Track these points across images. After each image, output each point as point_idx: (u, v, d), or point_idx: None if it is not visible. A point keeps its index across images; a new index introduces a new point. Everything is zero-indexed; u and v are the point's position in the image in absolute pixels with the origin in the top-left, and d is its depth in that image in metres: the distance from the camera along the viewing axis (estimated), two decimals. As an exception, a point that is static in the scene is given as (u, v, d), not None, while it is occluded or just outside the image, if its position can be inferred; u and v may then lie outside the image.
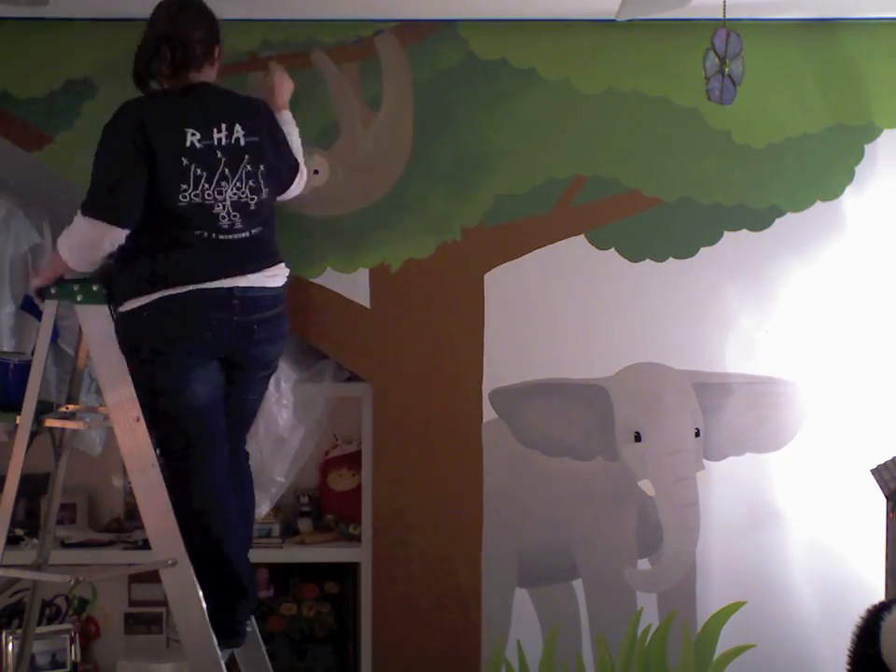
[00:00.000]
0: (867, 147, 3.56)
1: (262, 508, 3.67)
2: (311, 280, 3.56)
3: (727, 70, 2.63)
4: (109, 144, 2.90)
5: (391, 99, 3.55)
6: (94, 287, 2.99)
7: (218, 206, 2.92)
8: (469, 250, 3.58)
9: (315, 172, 3.55)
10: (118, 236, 2.89)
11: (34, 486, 3.86)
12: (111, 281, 2.98)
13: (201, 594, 2.90)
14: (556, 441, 3.60)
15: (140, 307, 2.91)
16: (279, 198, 3.17)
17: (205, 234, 2.92)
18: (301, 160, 3.25)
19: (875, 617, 2.61)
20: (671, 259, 3.60)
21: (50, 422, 3.16)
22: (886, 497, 3.21)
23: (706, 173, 3.57)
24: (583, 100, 3.54)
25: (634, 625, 3.64)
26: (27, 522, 3.83)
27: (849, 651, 2.74)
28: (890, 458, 3.33)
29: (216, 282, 2.91)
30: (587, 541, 3.63)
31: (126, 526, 3.82)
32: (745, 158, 3.55)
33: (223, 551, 2.97)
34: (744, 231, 3.59)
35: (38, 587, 3.36)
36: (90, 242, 2.92)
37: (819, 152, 3.56)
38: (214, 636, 2.89)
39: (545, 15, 3.46)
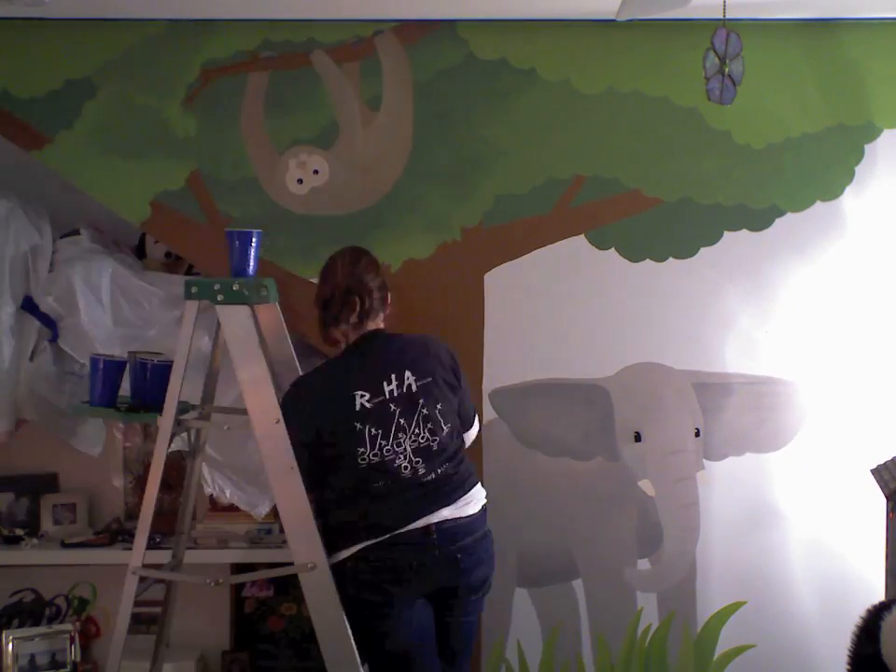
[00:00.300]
0: (867, 147, 3.56)
1: (262, 508, 3.67)
2: (311, 280, 3.55)
3: (727, 70, 2.63)
4: (291, 428, 2.97)
5: (391, 99, 3.55)
6: (235, 287, 2.99)
7: (399, 458, 2.96)
8: (469, 250, 3.58)
9: (315, 172, 3.55)
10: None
11: (34, 486, 3.87)
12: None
13: (338, 597, 2.92)
14: (556, 441, 3.60)
15: (344, 560, 2.96)
16: (466, 433, 3.21)
17: (382, 484, 2.95)
18: (473, 418, 3.25)
19: (874, 617, 2.61)
20: (671, 258, 3.60)
21: (191, 423, 3.17)
22: (886, 497, 3.21)
23: (706, 173, 3.57)
24: (583, 100, 3.54)
25: (634, 625, 3.64)
26: (27, 522, 3.83)
27: (849, 650, 2.74)
28: (890, 458, 3.33)
29: (410, 525, 2.93)
30: (587, 541, 3.63)
31: (126, 527, 3.82)
32: (745, 158, 3.55)
33: None
34: (744, 231, 3.59)
35: (172, 588, 3.36)
36: None
37: (819, 152, 3.56)
38: (353, 641, 2.92)
39: (545, 15, 3.46)
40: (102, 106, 3.51)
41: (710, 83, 2.65)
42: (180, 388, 3.02)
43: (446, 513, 2.97)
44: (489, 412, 3.60)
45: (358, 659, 2.94)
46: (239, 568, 3.71)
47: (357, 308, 3.04)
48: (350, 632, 2.93)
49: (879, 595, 3.25)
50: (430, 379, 3.03)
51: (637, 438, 3.61)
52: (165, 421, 3.01)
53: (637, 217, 3.58)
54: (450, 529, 2.97)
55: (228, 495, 3.64)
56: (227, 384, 3.35)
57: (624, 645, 3.65)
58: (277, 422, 2.95)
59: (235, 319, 2.99)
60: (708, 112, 3.49)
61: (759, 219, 3.58)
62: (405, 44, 3.53)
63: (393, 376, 2.99)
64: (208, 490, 3.65)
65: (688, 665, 3.64)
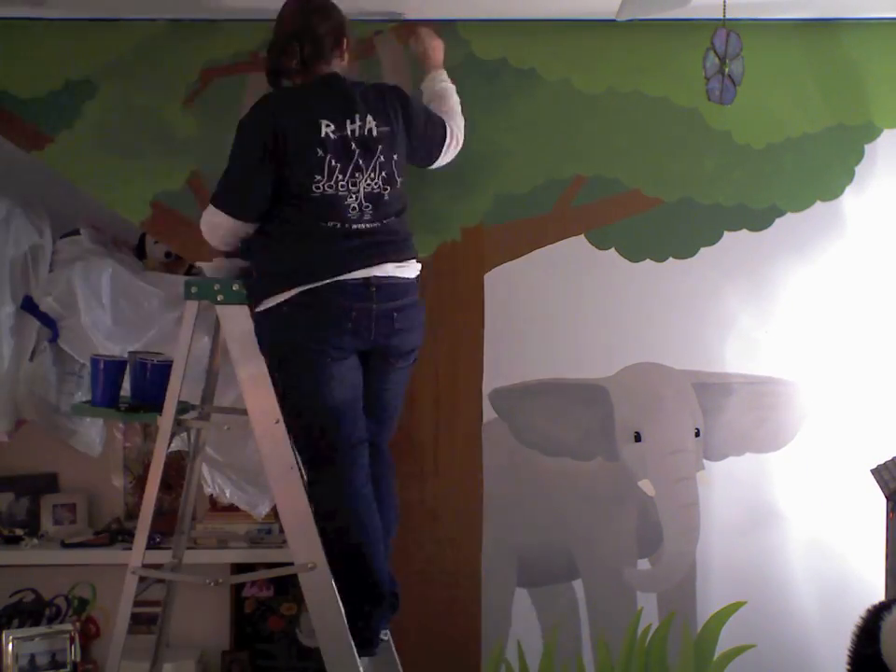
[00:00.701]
0: (867, 147, 3.56)
1: (262, 508, 3.67)
2: (311, 280, 3.56)
3: (727, 70, 2.63)
4: (241, 140, 2.95)
5: (391, 99, 3.54)
6: (235, 287, 2.98)
7: (351, 198, 2.92)
8: (469, 250, 3.58)
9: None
10: (240, 227, 2.95)
11: (34, 486, 3.87)
12: (248, 283, 2.98)
13: (339, 598, 2.90)
14: (556, 441, 3.60)
15: (279, 304, 2.90)
16: (432, 166, 3.20)
17: (337, 226, 2.91)
18: (454, 122, 3.24)
19: (874, 617, 2.61)
20: (671, 258, 3.59)
21: (191, 423, 3.16)
22: (886, 497, 3.21)
23: (706, 173, 3.57)
24: (583, 100, 3.54)
25: (634, 625, 3.64)
26: (27, 522, 3.83)
27: (849, 651, 2.74)
28: (890, 458, 3.33)
29: (353, 273, 2.90)
30: (587, 541, 3.63)
31: (126, 527, 3.82)
32: (745, 158, 3.55)
33: (362, 553, 2.94)
34: (744, 231, 3.58)
35: (172, 588, 3.34)
36: (215, 226, 2.99)
37: (818, 152, 3.56)
38: (352, 641, 2.90)
39: (545, 15, 3.46)
40: (102, 106, 3.51)
41: (710, 83, 2.65)
42: (180, 388, 3.02)
43: (388, 269, 2.96)
44: (489, 412, 3.60)
45: (358, 660, 2.92)
46: (239, 568, 3.71)
47: (299, 53, 2.96)
48: (349, 633, 2.93)
49: (879, 595, 3.25)
50: (389, 129, 2.99)
51: (637, 438, 3.61)
52: (165, 421, 3.01)
53: (637, 217, 3.58)
54: (390, 287, 2.95)
55: (228, 495, 3.64)
56: (227, 384, 3.35)
57: (624, 645, 3.65)
58: (277, 422, 2.94)
59: (235, 319, 2.99)
60: (708, 112, 3.49)
61: (759, 219, 3.58)
62: (405, 44, 3.52)
63: (357, 116, 2.94)
64: (208, 490, 3.65)
65: (688, 665, 3.64)
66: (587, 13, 3.43)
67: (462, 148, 3.54)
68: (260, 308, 2.94)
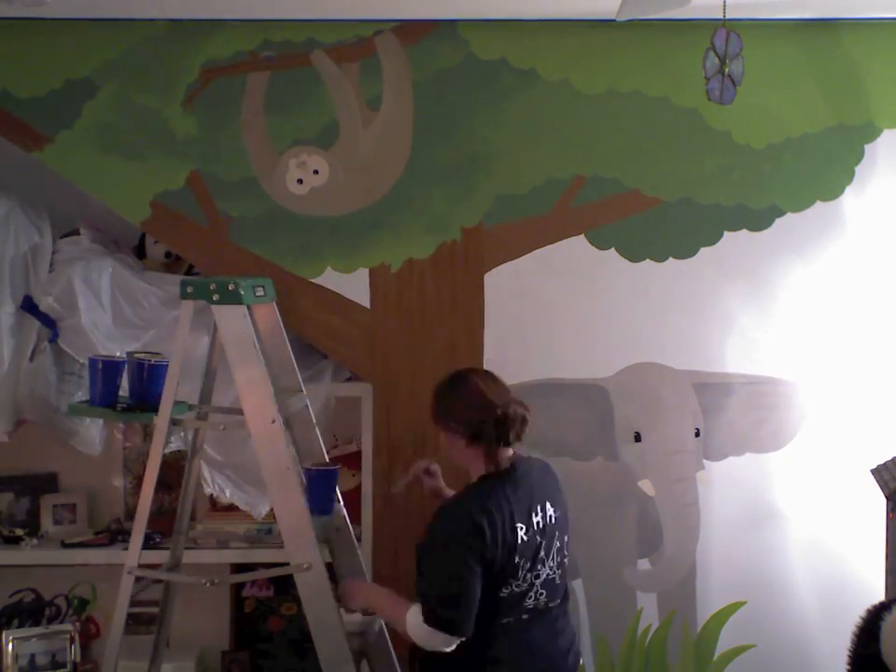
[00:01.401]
0: (867, 147, 3.56)
1: (262, 508, 3.67)
2: (311, 280, 3.56)
3: (727, 70, 2.63)
4: (457, 546, 2.76)
5: (391, 99, 3.55)
6: (230, 287, 2.98)
7: (531, 591, 2.87)
8: (469, 250, 3.58)
9: (315, 172, 3.55)
10: (450, 643, 2.78)
11: (34, 486, 3.87)
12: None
13: (334, 597, 2.91)
14: (556, 441, 3.60)
15: None
16: None
17: (511, 621, 2.85)
18: None
19: (874, 617, 2.61)
20: (671, 258, 3.60)
21: (188, 423, 3.16)
22: (886, 497, 3.21)
23: (706, 173, 3.57)
24: (583, 100, 3.54)
25: (634, 625, 3.64)
26: (27, 522, 3.83)
27: (849, 650, 2.73)
28: (890, 458, 3.33)
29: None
30: (587, 541, 3.63)
31: (126, 527, 3.82)
32: (745, 158, 3.55)
33: None
34: (744, 231, 3.59)
35: (172, 589, 3.34)
36: (430, 643, 2.80)
37: (818, 152, 3.56)
38: (346, 639, 2.90)
39: (545, 15, 3.46)
40: (102, 106, 3.52)
41: (710, 83, 2.64)
42: (176, 388, 3.01)
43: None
44: (489, 412, 3.59)
45: (352, 657, 2.94)
46: (238, 568, 3.71)
47: (503, 434, 2.86)
48: (344, 632, 2.92)
49: (879, 595, 3.25)
50: (562, 511, 2.99)
51: (637, 438, 3.61)
52: (161, 421, 3.01)
53: (637, 217, 3.58)
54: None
55: (228, 495, 3.64)
56: (226, 384, 3.35)
57: (624, 645, 3.65)
58: (273, 422, 2.94)
59: (231, 319, 2.99)
60: (708, 112, 3.49)
61: (759, 219, 3.58)
62: (405, 44, 3.53)
63: (539, 507, 2.90)
64: (208, 490, 3.65)
65: (688, 665, 3.64)
66: (587, 13, 3.43)
67: (462, 148, 3.55)
68: None
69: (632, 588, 3.64)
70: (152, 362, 3.17)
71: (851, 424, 3.60)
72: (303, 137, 3.55)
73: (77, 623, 3.83)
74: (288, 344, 3.29)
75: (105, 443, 3.78)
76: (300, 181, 3.56)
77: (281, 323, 3.27)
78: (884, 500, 3.23)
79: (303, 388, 3.29)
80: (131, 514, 3.90)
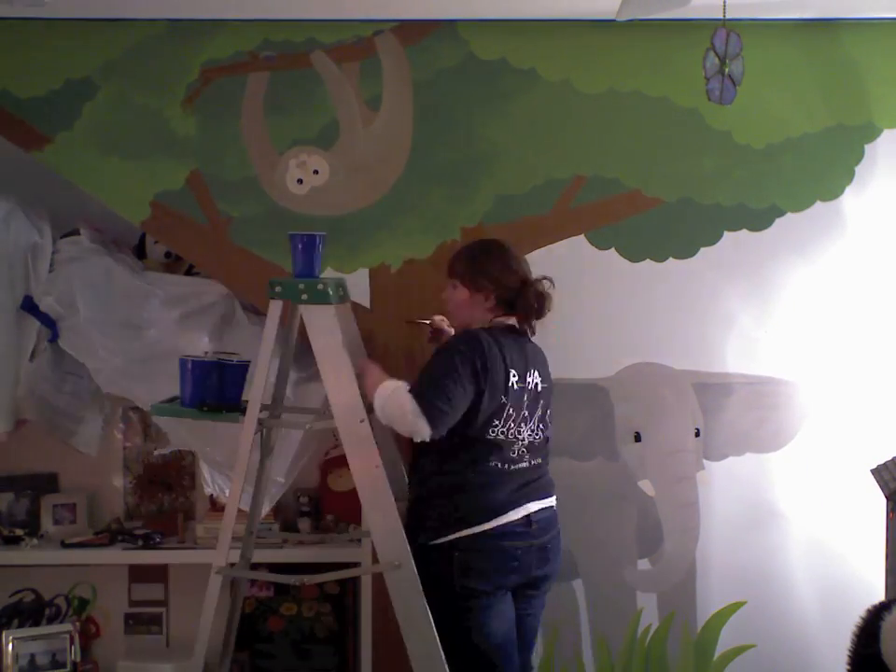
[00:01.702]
0: (867, 147, 3.56)
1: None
2: (311, 280, 3.56)
3: (727, 70, 2.63)
4: (457, 354, 2.98)
5: (391, 99, 3.55)
6: (319, 287, 2.98)
7: (516, 444, 3.05)
8: (469, 250, 3.57)
9: (315, 172, 3.55)
10: (422, 433, 2.91)
11: (34, 486, 3.87)
12: (411, 515, 3.06)
13: (423, 595, 2.92)
14: (556, 441, 3.59)
15: (450, 544, 2.97)
16: None
17: (498, 465, 3.02)
18: None
19: (874, 617, 2.61)
20: (671, 258, 3.60)
21: (271, 422, 3.15)
22: (886, 497, 3.21)
23: (706, 173, 3.57)
24: (583, 100, 3.54)
25: (634, 625, 3.64)
26: (27, 522, 3.83)
27: (849, 651, 2.73)
28: (890, 458, 3.33)
29: (516, 511, 3.01)
30: (587, 541, 3.63)
31: (126, 527, 3.82)
32: (745, 158, 3.55)
33: None
34: (744, 231, 3.59)
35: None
36: (399, 417, 2.93)
37: (819, 152, 3.56)
38: (437, 638, 2.93)
39: (545, 15, 3.46)
40: (102, 106, 3.51)
41: (710, 83, 2.65)
42: (263, 389, 3.01)
43: (541, 504, 3.08)
44: (489, 412, 3.59)
45: (443, 657, 2.95)
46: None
47: (528, 303, 3.08)
48: (435, 629, 2.94)
49: (879, 595, 3.25)
50: (548, 385, 3.16)
51: (637, 438, 3.61)
52: (249, 421, 3.00)
53: (637, 217, 3.58)
54: (543, 520, 3.07)
55: (228, 495, 3.64)
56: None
57: (624, 645, 3.65)
58: (362, 421, 2.95)
59: (319, 319, 2.99)
60: (708, 112, 3.49)
61: (759, 219, 3.58)
62: (405, 44, 3.52)
63: (532, 370, 3.09)
64: (208, 490, 3.65)
65: (688, 665, 3.64)
66: (587, 13, 3.43)
67: (462, 148, 3.55)
68: (430, 543, 2.99)
69: (632, 588, 3.64)
70: (233, 362, 3.15)
71: (851, 424, 3.60)
72: (303, 137, 3.55)
73: (77, 623, 3.82)
74: (362, 343, 3.30)
75: (105, 443, 3.78)
76: (300, 181, 3.56)
77: (355, 322, 3.28)
78: (884, 500, 3.23)
79: None
80: (131, 514, 3.90)
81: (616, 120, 3.55)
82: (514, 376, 3.02)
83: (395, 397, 2.93)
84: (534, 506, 3.05)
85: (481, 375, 2.95)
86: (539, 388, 3.11)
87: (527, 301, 3.07)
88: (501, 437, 3.01)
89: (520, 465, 3.06)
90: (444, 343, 3.14)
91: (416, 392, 2.93)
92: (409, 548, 2.95)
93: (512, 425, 3.02)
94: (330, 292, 3.00)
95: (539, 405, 3.11)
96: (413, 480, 3.12)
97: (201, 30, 3.50)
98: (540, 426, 3.11)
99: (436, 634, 2.94)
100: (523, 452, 3.06)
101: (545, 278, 3.10)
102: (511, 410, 3.01)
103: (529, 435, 3.07)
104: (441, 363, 2.99)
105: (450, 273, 3.15)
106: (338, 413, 2.97)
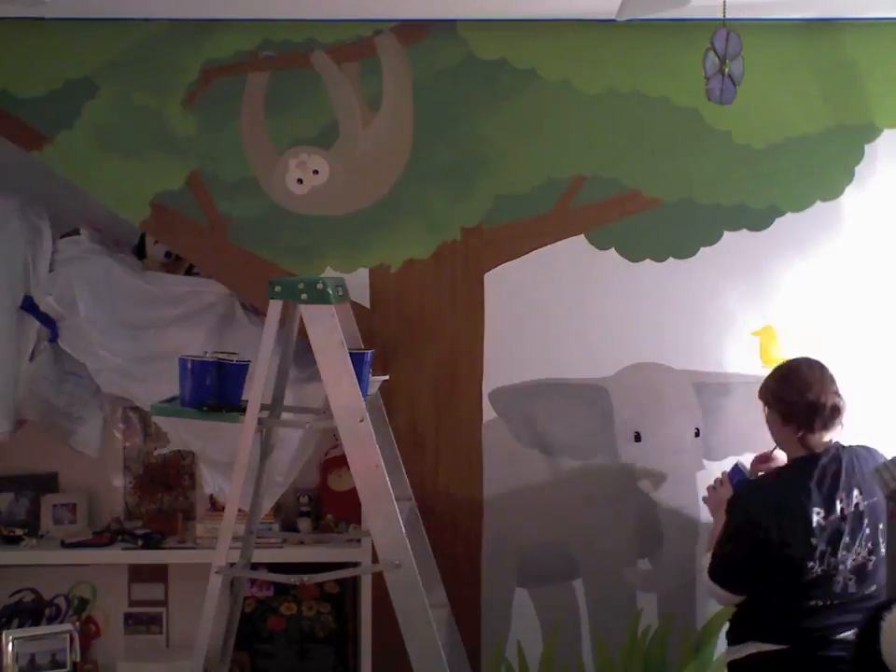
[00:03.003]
0: (867, 147, 3.56)
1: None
2: (311, 280, 3.56)
3: (727, 70, 2.63)
4: (737, 525, 3.06)
5: (391, 99, 3.55)
6: (319, 286, 2.99)
7: (839, 576, 3.01)
8: (469, 250, 3.58)
9: (315, 172, 3.55)
10: (734, 600, 3.12)
11: (35, 486, 3.87)
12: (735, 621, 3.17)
13: (425, 595, 2.93)
14: (556, 440, 3.60)
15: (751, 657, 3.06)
16: None
17: (820, 603, 3.01)
18: None
19: (874, 617, 2.61)
20: (671, 258, 3.60)
21: (272, 422, 3.16)
22: (886, 496, 3.20)
23: (706, 173, 3.57)
24: (583, 100, 3.54)
25: (634, 625, 3.64)
26: (27, 522, 3.83)
27: (849, 651, 2.74)
28: (890, 458, 3.32)
29: (821, 636, 3.00)
30: (587, 541, 3.63)
31: (126, 527, 3.82)
32: (745, 158, 3.55)
33: None
34: (744, 231, 3.59)
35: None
36: (720, 597, 3.15)
37: (819, 152, 3.56)
38: (437, 635, 2.93)
39: (545, 15, 3.46)
40: (102, 106, 3.51)
41: (710, 83, 2.65)
42: (263, 388, 3.01)
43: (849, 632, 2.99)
44: (489, 412, 3.60)
45: (443, 656, 2.95)
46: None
47: (822, 419, 3.07)
48: (435, 629, 2.94)
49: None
50: (875, 499, 3.08)
51: (637, 438, 3.61)
52: (249, 420, 3.00)
53: (637, 217, 3.58)
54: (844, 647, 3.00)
55: (227, 494, 3.64)
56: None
57: (624, 645, 3.65)
58: (362, 420, 2.95)
59: (319, 319, 2.99)
60: (708, 112, 3.49)
61: (759, 219, 3.58)
62: (405, 44, 3.52)
63: (844, 494, 3.03)
64: (208, 490, 3.65)
65: (688, 665, 3.64)
66: (587, 13, 3.43)
67: (462, 148, 3.55)
68: (735, 654, 3.13)
69: (632, 588, 3.64)
70: (233, 362, 3.14)
71: (851, 424, 3.59)
72: (303, 137, 3.55)
73: (77, 623, 3.83)
74: (362, 342, 3.30)
75: (105, 443, 3.78)
76: (300, 181, 3.56)
77: (355, 321, 3.28)
78: (884, 500, 3.23)
79: (377, 392, 3.32)
80: (131, 514, 3.91)
81: (616, 120, 3.55)
82: (818, 513, 2.98)
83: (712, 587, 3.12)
84: (841, 634, 3.00)
85: (765, 545, 2.97)
86: (861, 507, 3.05)
87: (798, 416, 3.06)
88: (821, 573, 2.98)
89: (845, 598, 3.01)
90: (728, 505, 3.12)
91: (711, 573, 3.09)
92: (409, 546, 2.94)
93: (833, 560, 2.99)
94: (330, 292, 3.00)
95: (864, 524, 3.04)
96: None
97: (201, 30, 3.50)
98: (868, 544, 3.04)
99: (436, 632, 2.93)
100: (849, 580, 3.02)
101: (833, 392, 3.08)
102: (823, 546, 2.98)
103: (853, 560, 3.02)
104: (724, 540, 3.08)
105: (759, 396, 3.20)
106: (337, 413, 2.97)
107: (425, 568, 3.17)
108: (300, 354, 3.67)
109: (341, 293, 3.15)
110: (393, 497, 2.97)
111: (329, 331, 2.98)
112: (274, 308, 3.02)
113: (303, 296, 3.00)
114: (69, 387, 3.61)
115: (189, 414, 3.15)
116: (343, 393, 2.96)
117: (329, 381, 2.98)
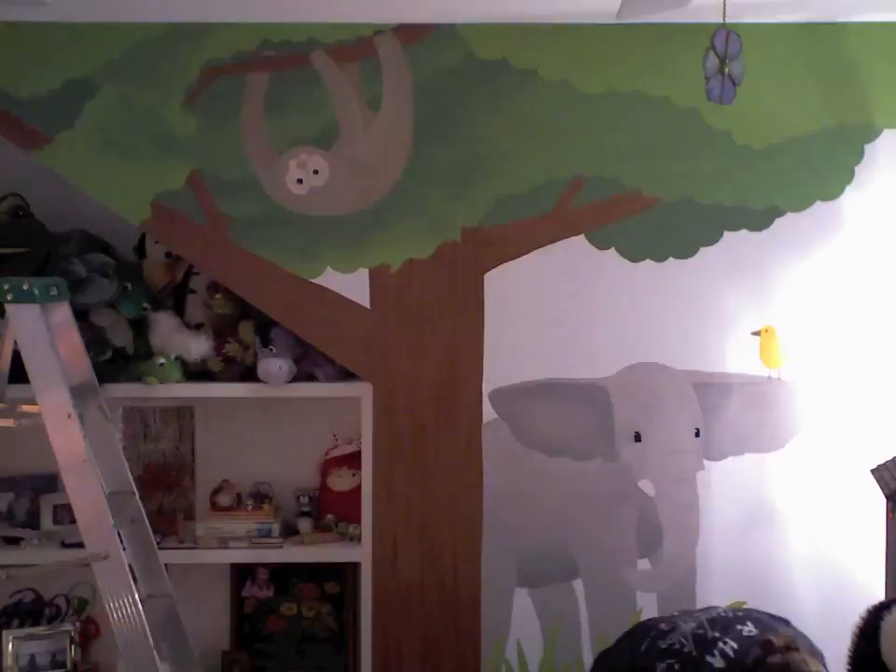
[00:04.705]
0: (867, 147, 3.56)
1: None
2: (311, 280, 3.56)
3: (727, 70, 2.63)
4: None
5: (391, 99, 3.55)
6: (24, 286, 3.03)
7: None
8: (469, 250, 3.58)
9: (315, 172, 3.55)
10: None
11: (35, 486, 3.87)
12: None
13: (133, 585, 2.99)
14: (556, 440, 3.60)
15: None
16: None
17: None
18: None
19: (874, 617, 2.61)
20: (671, 258, 3.60)
21: None
22: (886, 496, 3.21)
23: (706, 173, 3.57)
24: (583, 100, 3.54)
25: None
26: (27, 522, 3.83)
27: (849, 650, 2.74)
28: (890, 458, 3.33)
29: None
30: (587, 541, 3.63)
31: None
32: (745, 158, 3.55)
33: None
34: (744, 231, 3.58)
35: None
36: None
37: (818, 152, 3.56)
38: (147, 627, 2.96)
39: (545, 19, 3.46)
40: (102, 106, 3.51)
41: (710, 83, 2.64)
42: None
43: None
44: (489, 412, 3.60)
45: (152, 644, 2.99)
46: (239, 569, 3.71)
47: None
48: (145, 620, 2.99)
49: (879, 595, 3.25)
50: None
51: (637, 438, 3.61)
52: None
53: (637, 217, 3.58)
54: None
55: None
56: None
57: (624, 645, 3.64)
58: (69, 416, 3.00)
59: (25, 318, 3.04)
60: (708, 112, 3.49)
61: (759, 219, 3.58)
62: (405, 44, 3.52)
63: None
64: None
65: (688, 665, 3.64)
66: (587, 14, 3.43)
67: (462, 148, 3.55)
68: None
69: (632, 588, 3.65)
70: None
71: (851, 424, 3.60)
72: (303, 137, 3.55)
73: (77, 623, 3.83)
74: (81, 340, 3.29)
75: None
76: (300, 181, 3.56)
77: (74, 321, 3.28)
78: (884, 500, 3.23)
79: (98, 387, 3.33)
80: (131, 514, 3.91)
81: (616, 120, 3.55)
82: None
83: None
84: None
85: None
86: None
87: None
88: None
89: None
90: None
91: None
92: (117, 538, 3.01)
93: None
94: (36, 291, 3.04)
95: None
96: None
97: (201, 30, 3.50)
98: None
99: (145, 623, 2.98)
100: None
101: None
102: None
103: None
104: None
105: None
106: (45, 410, 3.03)
107: (148, 561, 3.32)
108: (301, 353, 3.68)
109: (54, 293, 3.17)
110: (102, 489, 3.03)
111: (34, 330, 3.03)
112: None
113: (8, 296, 3.04)
114: None
115: None
116: (50, 391, 3.01)
117: (35, 379, 3.03)
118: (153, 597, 3.29)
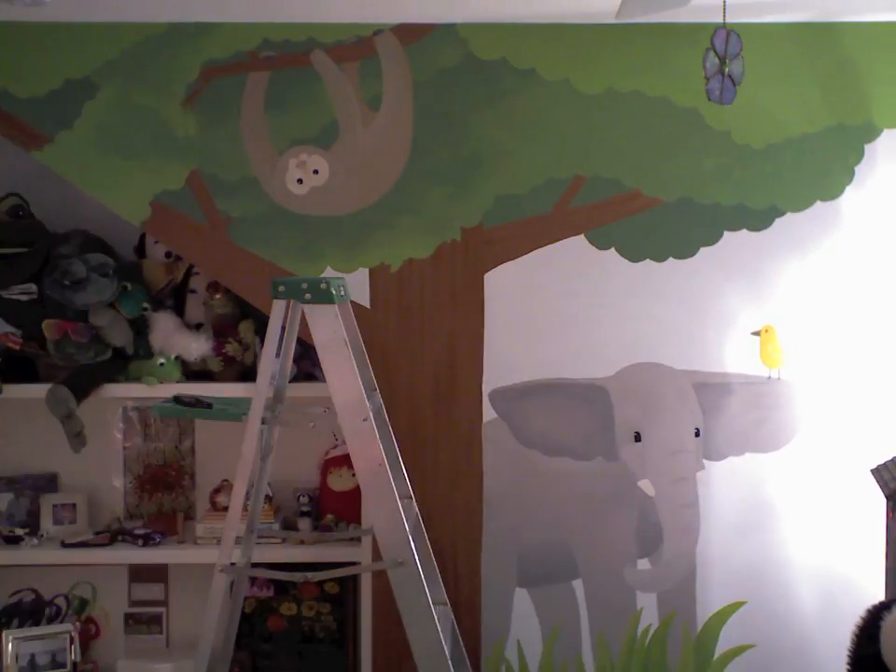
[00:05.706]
0: (867, 147, 3.56)
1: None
2: (311, 280, 3.56)
3: (727, 70, 2.63)
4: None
5: (391, 99, 3.55)
6: (322, 286, 3.00)
7: None
8: (469, 250, 3.58)
9: (315, 172, 3.55)
10: None
11: (35, 486, 3.88)
12: None
13: (427, 591, 2.94)
14: (556, 440, 3.61)
15: None
16: None
17: None
18: None
19: (874, 617, 2.61)
20: (671, 258, 3.60)
21: (275, 420, 3.17)
22: (886, 496, 3.21)
23: (706, 173, 3.57)
24: (583, 100, 3.54)
25: (634, 625, 3.64)
26: (27, 522, 3.83)
27: (849, 650, 2.74)
28: (890, 458, 3.33)
29: None
30: (587, 541, 3.63)
31: (126, 527, 3.82)
32: (745, 158, 3.55)
33: None
34: (744, 231, 3.59)
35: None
36: None
37: (819, 152, 3.56)
38: (440, 632, 2.93)
39: (545, 18, 3.46)
40: (102, 106, 3.52)
41: (710, 83, 2.65)
42: (267, 387, 3.03)
43: None
44: (489, 412, 3.60)
45: (447, 653, 2.95)
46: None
47: None
48: (438, 627, 2.95)
49: (879, 595, 3.25)
50: None
51: (637, 438, 3.61)
52: (253, 419, 3.01)
53: (637, 217, 3.58)
54: None
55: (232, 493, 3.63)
56: None
57: (624, 645, 3.65)
58: (365, 420, 2.96)
59: (322, 318, 3.01)
60: (708, 112, 3.49)
61: (759, 219, 3.58)
62: (405, 44, 3.53)
63: None
64: None
65: (688, 665, 3.65)
66: (587, 14, 3.43)
67: (462, 148, 3.55)
68: None
69: (632, 588, 3.65)
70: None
71: (851, 424, 3.60)
72: (303, 137, 3.55)
73: (77, 623, 3.83)
74: (362, 342, 3.30)
75: (105, 443, 3.78)
76: (300, 181, 3.56)
77: (355, 321, 3.28)
78: (884, 500, 3.23)
79: (377, 388, 3.32)
80: (131, 514, 3.91)
81: (616, 120, 3.55)
82: None
83: None
84: None
85: None
86: None
87: None
88: None
89: None
90: None
91: None
92: (413, 545, 2.95)
93: None
94: (333, 291, 3.02)
95: None
96: None
97: (201, 30, 3.50)
98: None
99: (439, 630, 2.94)
100: None
101: None
102: None
103: None
104: None
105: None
106: (341, 412, 2.99)
107: (425, 567, 3.17)
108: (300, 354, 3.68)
109: (342, 293, 3.16)
110: (396, 495, 2.98)
111: (331, 331, 3.00)
112: (278, 308, 3.04)
113: (307, 296, 3.01)
114: None
115: (194, 414, 3.16)
116: (346, 391, 2.98)
117: (332, 380, 2.99)
118: (435, 605, 3.11)
